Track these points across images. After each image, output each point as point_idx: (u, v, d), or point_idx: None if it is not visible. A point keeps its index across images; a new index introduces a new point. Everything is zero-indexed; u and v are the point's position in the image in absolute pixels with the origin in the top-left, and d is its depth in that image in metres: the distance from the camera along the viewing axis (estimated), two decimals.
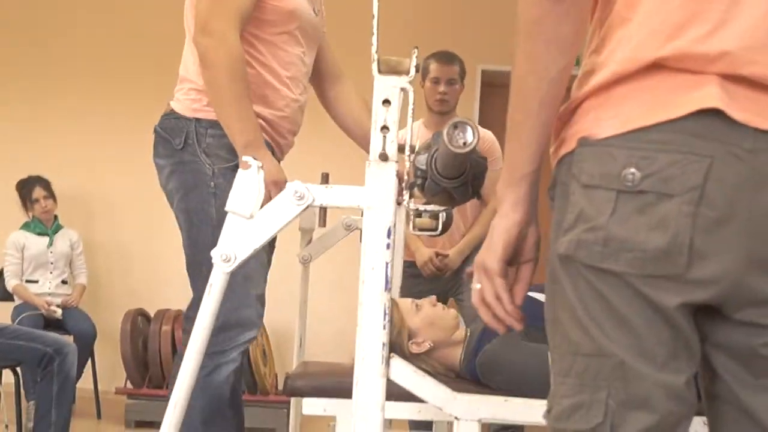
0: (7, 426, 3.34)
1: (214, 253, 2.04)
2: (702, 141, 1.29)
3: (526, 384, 2.50)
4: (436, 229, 3.84)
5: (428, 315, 2.86)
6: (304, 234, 3.58)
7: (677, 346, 1.34)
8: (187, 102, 2.68)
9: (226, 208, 2.05)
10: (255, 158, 2.37)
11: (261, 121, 2.66)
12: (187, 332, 2.60)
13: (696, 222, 1.28)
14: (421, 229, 3.83)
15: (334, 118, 3.02)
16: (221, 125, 2.58)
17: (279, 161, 2.74)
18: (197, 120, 2.63)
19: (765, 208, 1.30)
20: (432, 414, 2.80)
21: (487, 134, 4.39)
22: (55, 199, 5.74)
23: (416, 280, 4.41)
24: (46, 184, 5.72)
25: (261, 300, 2.69)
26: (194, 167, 2.61)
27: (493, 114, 5.04)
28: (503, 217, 1.51)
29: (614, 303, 1.33)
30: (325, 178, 2.06)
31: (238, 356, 2.65)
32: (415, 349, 2.65)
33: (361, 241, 3.36)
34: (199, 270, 2.59)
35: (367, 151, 1.96)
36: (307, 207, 2.03)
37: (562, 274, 1.39)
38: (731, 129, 1.29)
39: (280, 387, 5.15)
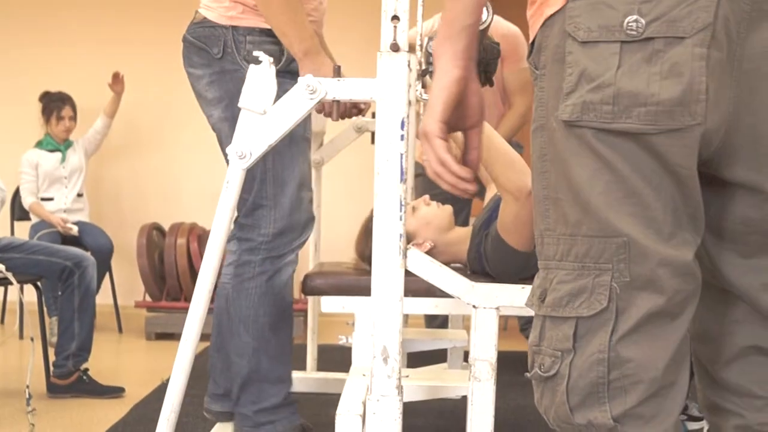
0: (32, 339, 3.39)
1: (230, 150, 2.06)
2: None
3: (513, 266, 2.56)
4: None
5: (424, 215, 2.89)
6: (315, 137, 3.58)
7: (686, 215, 1.26)
8: (220, 10, 2.62)
9: (239, 105, 2.06)
10: (313, 65, 2.43)
11: None
12: (243, 239, 2.66)
13: (709, 65, 1.20)
14: None
15: None
16: (267, 32, 2.57)
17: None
18: (234, 28, 2.59)
19: (758, 48, 1.24)
20: (449, 308, 2.84)
21: (511, 30, 4.24)
22: (76, 121, 5.77)
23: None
24: (73, 105, 5.74)
25: (311, 201, 2.74)
26: (237, 75, 2.56)
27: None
28: (442, 73, 1.38)
29: (622, 171, 1.23)
30: (337, 72, 2.05)
31: (296, 257, 2.70)
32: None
33: (372, 143, 3.38)
34: (249, 175, 2.54)
35: None
36: (320, 101, 2.03)
37: (563, 147, 1.28)
38: None
39: (296, 294, 5.22)
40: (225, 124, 2.65)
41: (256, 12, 2.57)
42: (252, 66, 2.05)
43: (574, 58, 1.25)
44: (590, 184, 1.25)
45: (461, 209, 4.03)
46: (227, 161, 2.59)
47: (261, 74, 2.05)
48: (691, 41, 1.19)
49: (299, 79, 2.04)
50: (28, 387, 3.36)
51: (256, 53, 2.07)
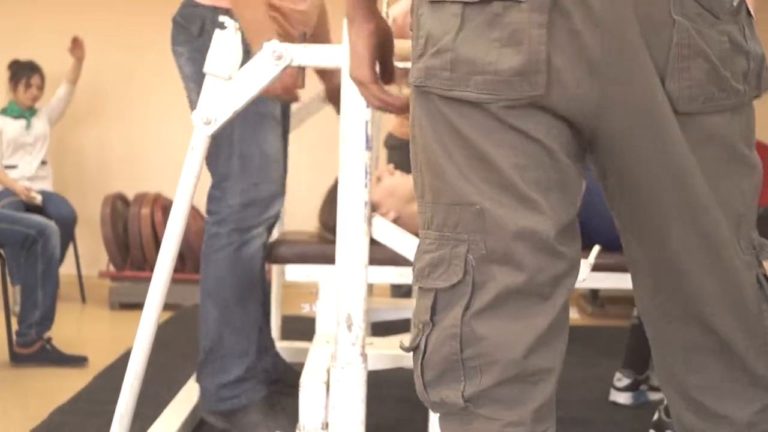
0: None
1: (195, 116, 2.05)
2: None
3: None
4: None
5: (387, 185, 2.89)
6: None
7: (548, 186, 1.19)
8: None
9: (204, 70, 2.05)
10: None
11: (273, 11, 2.64)
12: (212, 212, 2.70)
13: (552, 34, 1.12)
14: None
15: None
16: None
17: None
18: (214, 8, 2.61)
19: (624, 13, 1.13)
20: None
21: None
22: (43, 91, 5.72)
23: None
24: (42, 75, 5.70)
25: (283, 177, 2.80)
26: None
27: None
28: (360, 29, 1.38)
29: (470, 137, 1.17)
30: (303, 37, 2.05)
31: (264, 231, 2.72)
32: None
33: (338, 113, 3.37)
34: (216, 149, 2.60)
35: None
36: (286, 67, 2.03)
37: (419, 111, 1.23)
38: None
39: None
40: (197, 98, 2.67)
41: None
42: (217, 31, 2.04)
43: (424, 20, 1.21)
44: (442, 150, 1.20)
45: None
46: None
47: (226, 39, 2.04)
48: (529, 5, 1.12)
49: (264, 44, 2.03)
50: None
51: (221, 18, 2.06)
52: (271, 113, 2.69)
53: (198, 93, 2.63)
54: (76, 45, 5.85)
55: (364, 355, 1.99)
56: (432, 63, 1.17)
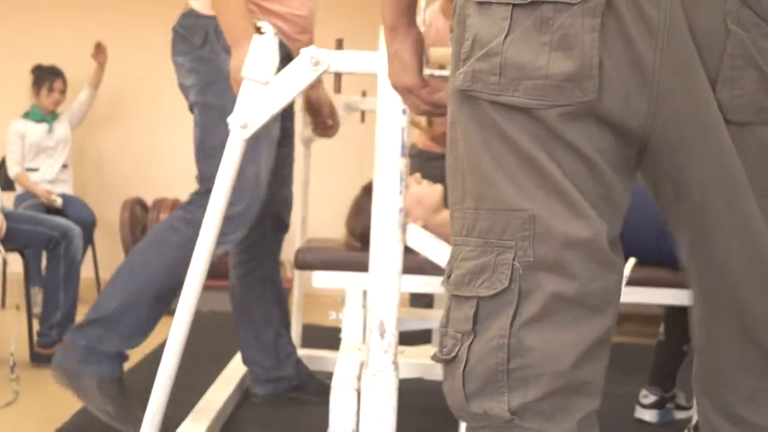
0: (18, 307, 3.37)
1: (231, 120, 2.05)
2: None
3: None
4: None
5: (415, 194, 2.89)
6: (305, 114, 3.59)
7: (598, 198, 1.16)
8: (206, 1, 2.64)
9: (242, 74, 2.05)
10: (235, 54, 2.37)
11: (275, 18, 2.64)
12: (187, 210, 2.67)
13: (605, 38, 1.10)
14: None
15: None
16: None
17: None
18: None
19: (677, 20, 1.12)
20: (438, 287, 2.84)
21: None
22: (65, 95, 5.75)
23: (434, 163, 4.37)
24: (64, 80, 5.74)
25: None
26: (213, 64, 2.61)
27: None
28: (406, 37, 1.41)
29: (520, 142, 1.14)
30: (338, 44, 2.05)
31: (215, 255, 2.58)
32: None
33: (362, 121, 3.37)
34: (212, 155, 2.56)
35: None
36: (323, 73, 2.03)
37: (463, 115, 1.20)
38: None
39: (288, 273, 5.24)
40: (199, 110, 2.71)
41: None
42: (255, 36, 2.05)
43: (471, 22, 1.18)
44: (490, 156, 1.17)
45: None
46: (197, 155, 2.70)
47: (264, 45, 2.04)
48: (581, 9, 1.10)
49: (302, 50, 2.04)
50: (12, 355, 3.35)
51: (259, 24, 2.06)
52: (270, 134, 2.66)
53: (196, 103, 2.67)
54: (99, 50, 5.89)
55: (395, 363, 1.98)
56: (479, 66, 1.15)
